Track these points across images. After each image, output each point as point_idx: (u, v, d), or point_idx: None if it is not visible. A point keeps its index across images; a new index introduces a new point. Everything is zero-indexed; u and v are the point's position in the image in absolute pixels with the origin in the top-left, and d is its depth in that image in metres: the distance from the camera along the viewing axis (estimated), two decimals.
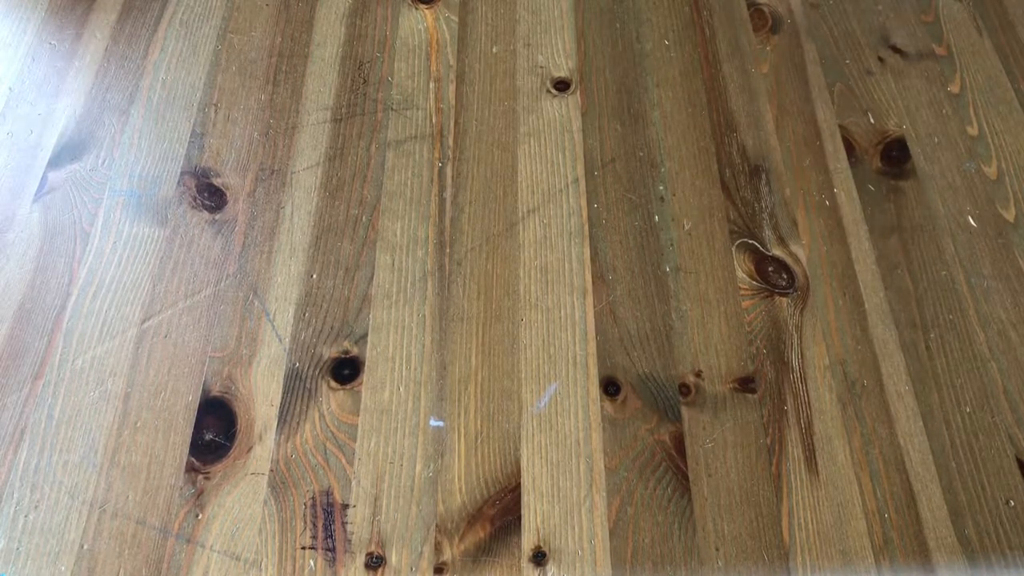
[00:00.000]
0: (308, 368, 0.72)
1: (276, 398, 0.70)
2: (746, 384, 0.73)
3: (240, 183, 0.82)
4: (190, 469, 0.66)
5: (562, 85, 0.90)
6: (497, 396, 0.71)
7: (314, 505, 0.65)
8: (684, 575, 0.64)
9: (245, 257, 0.77)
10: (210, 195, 0.81)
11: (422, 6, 0.95)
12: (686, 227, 0.81)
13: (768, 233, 0.81)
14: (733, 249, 0.80)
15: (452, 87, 0.89)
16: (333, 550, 0.64)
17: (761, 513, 0.67)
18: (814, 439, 0.70)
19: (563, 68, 0.92)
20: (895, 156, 0.87)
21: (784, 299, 0.78)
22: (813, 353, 0.75)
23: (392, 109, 0.87)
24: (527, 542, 0.65)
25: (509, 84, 0.90)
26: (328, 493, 0.66)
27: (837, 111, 0.91)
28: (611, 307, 0.76)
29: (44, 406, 0.68)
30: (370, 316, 0.75)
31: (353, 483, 0.67)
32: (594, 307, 0.76)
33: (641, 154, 0.86)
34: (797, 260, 0.80)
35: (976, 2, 1.01)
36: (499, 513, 0.66)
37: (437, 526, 0.65)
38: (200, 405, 0.69)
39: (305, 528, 0.64)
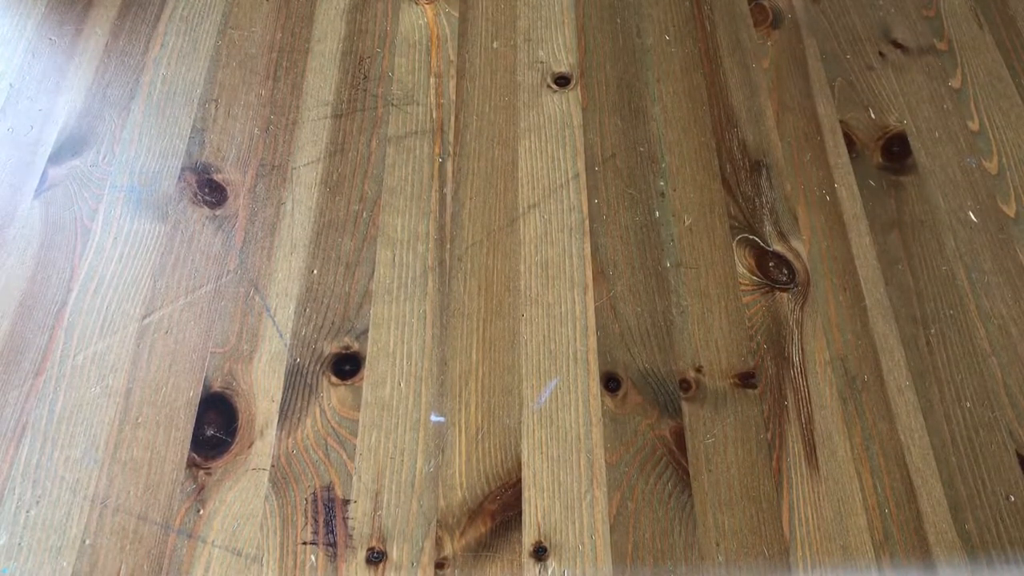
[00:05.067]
0: (309, 364, 0.72)
1: (277, 394, 0.70)
2: (746, 379, 0.73)
3: (241, 179, 0.82)
4: (191, 465, 0.67)
5: (562, 80, 0.90)
6: (498, 391, 0.71)
7: (315, 500, 0.66)
8: (684, 570, 0.64)
9: (246, 253, 0.77)
10: (211, 191, 0.81)
11: (422, 1, 0.95)
12: (687, 222, 0.81)
13: (769, 228, 0.81)
14: (734, 244, 0.80)
15: (452, 83, 0.89)
16: (334, 545, 0.64)
17: (761, 508, 0.67)
18: (814, 434, 0.70)
19: (563, 63, 0.92)
20: (896, 151, 0.87)
21: (784, 294, 0.78)
22: (813, 348, 0.75)
23: (393, 105, 0.87)
24: (528, 537, 0.65)
25: (509, 79, 0.90)
26: (329, 488, 0.66)
27: (838, 106, 0.90)
28: (612, 302, 0.76)
29: (45, 402, 0.69)
30: (371, 312, 0.75)
31: (354, 478, 0.67)
32: (595, 302, 0.76)
33: (642, 149, 0.86)
34: (798, 255, 0.80)
35: None
36: (500, 508, 0.66)
37: (438, 521, 0.65)
38: (201, 401, 0.69)
39: (306, 523, 0.65)
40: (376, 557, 0.64)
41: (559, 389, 0.72)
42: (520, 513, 0.66)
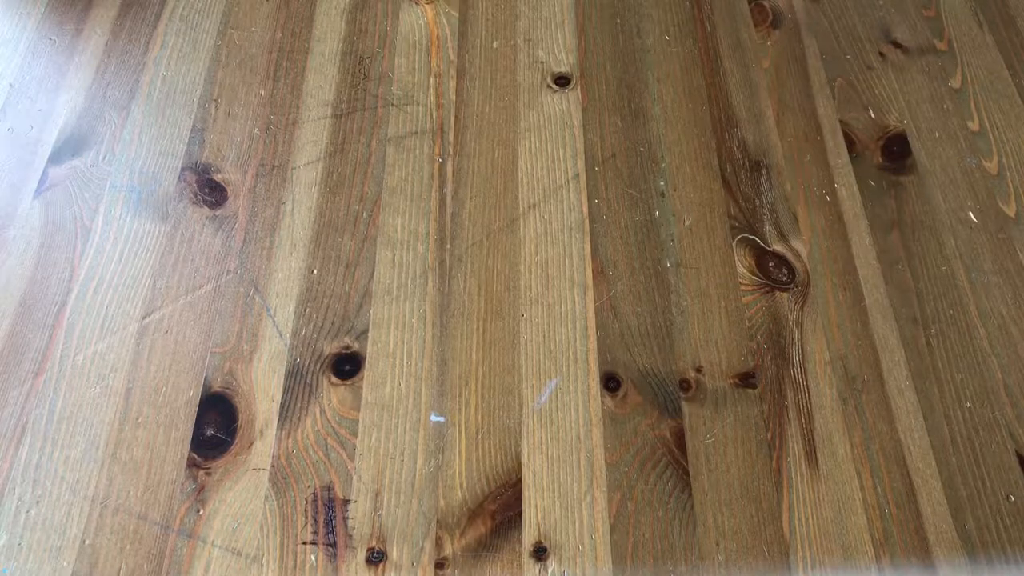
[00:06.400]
0: (309, 363, 0.72)
1: (277, 394, 0.70)
2: (746, 379, 0.73)
3: (241, 179, 0.82)
4: (191, 465, 0.67)
5: (562, 80, 0.90)
6: (498, 391, 0.71)
7: (315, 500, 0.66)
8: (684, 570, 0.64)
9: (246, 253, 0.77)
10: (211, 191, 0.81)
11: (422, 1, 0.95)
12: (687, 222, 0.81)
13: (769, 228, 0.81)
14: (734, 244, 0.80)
15: (452, 83, 0.89)
16: (334, 545, 0.64)
17: (761, 508, 0.67)
18: (814, 434, 0.70)
19: (563, 63, 0.92)
20: (896, 151, 0.87)
21: (784, 294, 0.78)
22: (813, 348, 0.75)
23: (393, 105, 0.87)
24: (528, 537, 0.65)
25: (509, 79, 0.90)
26: (329, 488, 0.66)
27: (838, 106, 0.90)
28: (612, 302, 0.76)
29: (45, 402, 0.69)
30: (371, 312, 0.75)
31: (354, 478, 0.67)
32: (595, 302, 0.76)
33: (642, 149, 0.86)
34: (798, 255, 0.80)
35: None
36: (500, 508, 0.66)
37: (438, 521, 0.65)
38: (201, 401, 0.69)
39: (306, 523, 0.65)
40: (376, 557, 0.64)
41: (559, 389, 0.72)
42: (520, 513, 0.66)
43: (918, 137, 0.89)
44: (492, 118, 0.87)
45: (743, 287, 0.78)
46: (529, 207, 0.81)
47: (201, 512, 0.65)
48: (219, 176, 0.82)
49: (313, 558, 0.63)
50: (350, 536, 0.64)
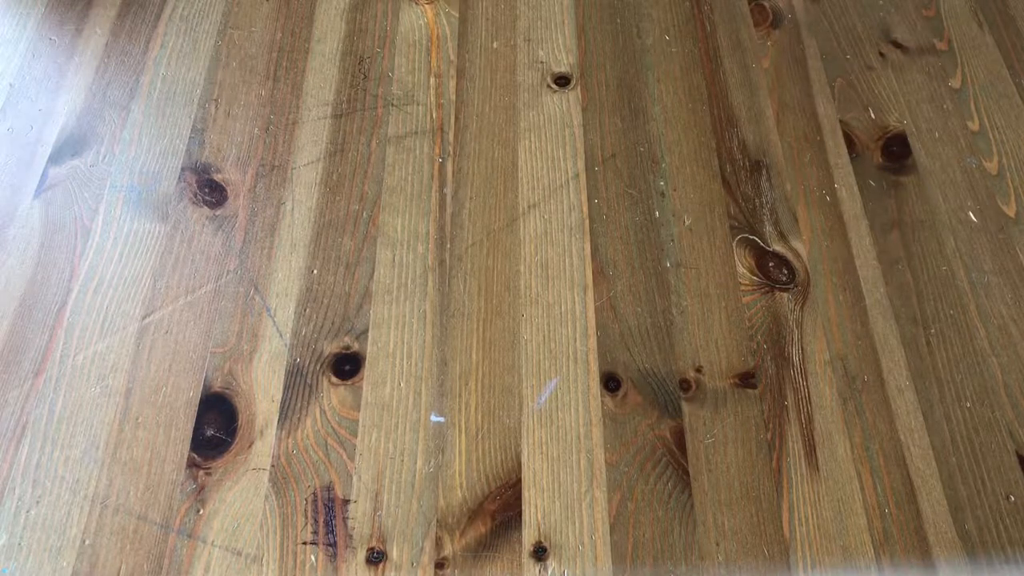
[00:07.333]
0: (309, 364, 0.72)
1: (277, 394, 0.70)
2: (746, 379, 0.73)
3: (241, 179, 0.82)
4: (191, 465, 0.67)
5: (562, 80, 0.90)
6: (498, 392, 0.71)
7: (315, 500, 0.66)
8: (684, 570, 0.64)
9: (246, 253, 0.77)
10: (211, 191, 0.81)
11: (422, 1, 0.95)
12: (687, 222, 0.81)
13: (769, 228, 0.81)
14: (734, 244, 0.80)
15: (452, 83, 0.89)
16: (334, 545, 0.64)
17: (761, 508, 0.67)
18: (814, 434, 0.70)
19: (563, 63, 0.92)
20: (896, 151, 0.87)
21: (784, 294, 0.78)
22: (813, 348, 0.75)
23: (392, 105, 0.87)
24: (528, 537, 0.65)
25: (509, 79, 0.90)
26: (329, 488, 0.66)
27: (838, 106, 0.90)
28: (612, 302, 0.76)
29: (45, 402, 0.69)
30: (371, 312, 0.75)
31: (354, 478, 0.67)
32: (595, 302, 0.76)
33: (642, 149, 0.86)
34: (798, 255, 0.80)
35: None
36: (500, 508, 0.66)
37: (438, 521, 0.65)
38: (201, 401, 0.69)
39: (306, 523, 0.65)
40: (376, 557, 0.64)
41: (559, 389, 0.72)
42: (520, 513, 0.66)
43: (918, 137, 0.89)
44: (492, 118, 0.87)
45: (743, 287, 0.78)
46: (529, 207, 0.81)
47: (201, 512, 0.65)
48: (219, 176, 0.82)
49: (313, 558, 0.63)
50: (350, 536, 0.64)
